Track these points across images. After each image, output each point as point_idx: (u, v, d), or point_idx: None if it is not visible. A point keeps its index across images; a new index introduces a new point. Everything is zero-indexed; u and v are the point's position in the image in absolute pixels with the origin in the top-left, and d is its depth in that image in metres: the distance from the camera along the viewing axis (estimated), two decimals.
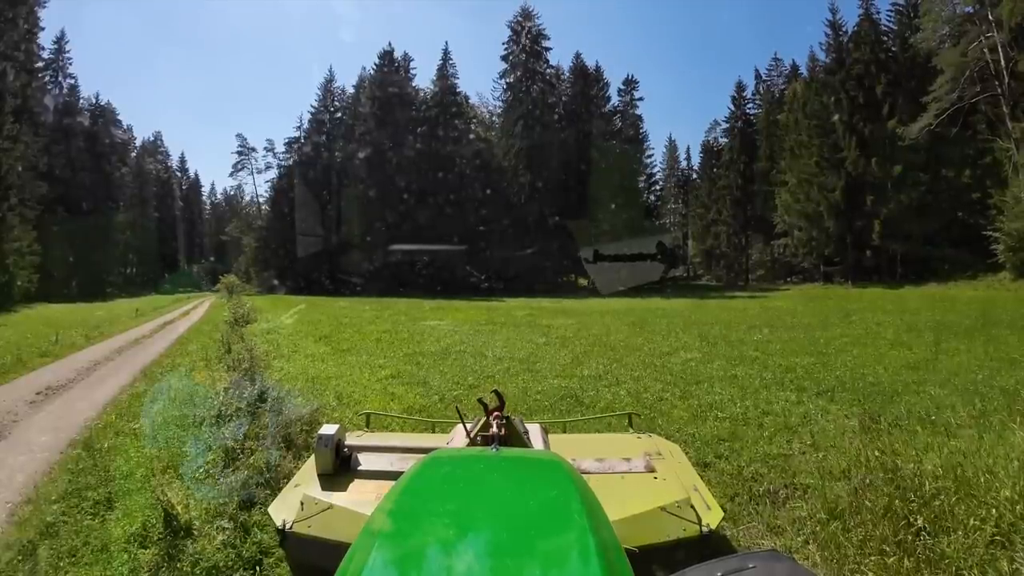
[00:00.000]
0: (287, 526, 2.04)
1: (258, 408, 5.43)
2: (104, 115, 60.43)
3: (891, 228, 38.45)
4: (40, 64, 47.04)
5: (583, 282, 51.49)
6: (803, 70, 53.04)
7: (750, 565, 1.24)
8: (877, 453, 5.10)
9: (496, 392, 2.56)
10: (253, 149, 66.91)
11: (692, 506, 2.05)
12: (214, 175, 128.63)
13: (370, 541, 1.28)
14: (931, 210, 37.46)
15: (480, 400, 2.50)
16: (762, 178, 50.50)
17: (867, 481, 4.28)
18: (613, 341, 12.46)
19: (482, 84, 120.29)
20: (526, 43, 54.14)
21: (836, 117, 41.67)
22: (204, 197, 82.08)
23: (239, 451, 4.67)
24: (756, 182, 51.53)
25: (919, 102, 36.13)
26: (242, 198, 75.14)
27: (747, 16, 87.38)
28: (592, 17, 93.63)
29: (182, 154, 78.53)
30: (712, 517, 2.05)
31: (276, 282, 50.98)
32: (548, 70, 55.14)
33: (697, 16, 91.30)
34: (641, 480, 2.32)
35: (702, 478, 2.86)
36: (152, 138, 73.42)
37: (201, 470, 4.81)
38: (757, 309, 22.93)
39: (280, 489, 3.68)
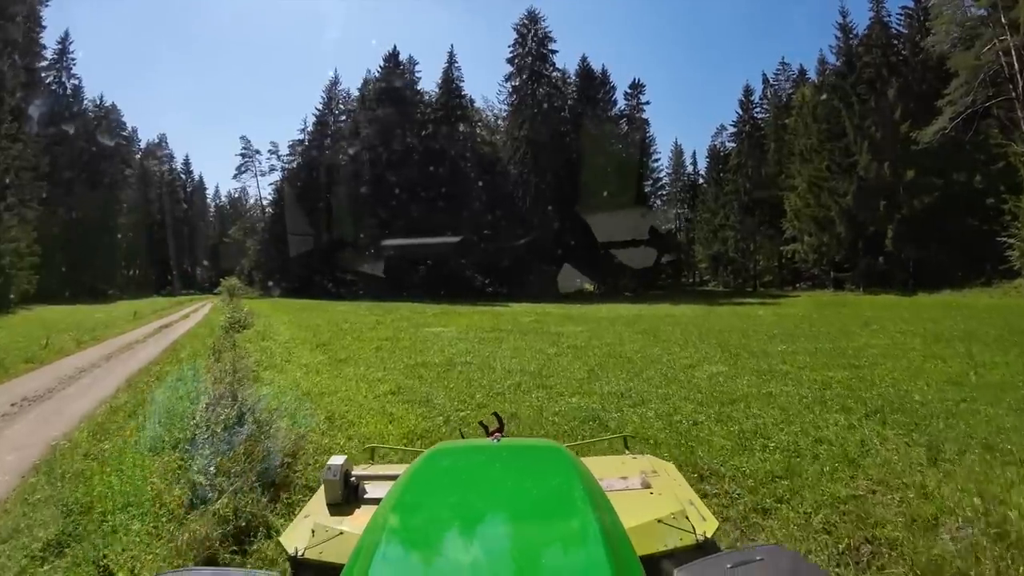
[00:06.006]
0: (299, 553, 1.98)
1: (236, 433, 4.69)
2: (108, 116, 60.04)
3: (904, 233, 37.62)
4: (43, 64, 46.76)
5: (589, 287, 50.77)
6: (811, 74, 52.40)
7: (757, 558, 1.27)
8: (958, 492, 4.43)
9: (496, 415, 2.61)
10: (257, 151, 66.57)
11: (687, 517, 2.00)
12: (219, 177, 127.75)
13: (377, 534, 1.28)
14: (945, 215, 36.64)
15: (481, 423, 2.58)
16: (770, 183, 49.71)
17: (968, 533, 3.58)
18: (628, 351, 11.67)
19: (487, 87, 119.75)
20: (532, 46, 53.61)
21: (847, 121, 40.91)
22: (208, 199, 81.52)
23: (208, 489, 3.94)
24: (764, 187, 50.70)
25: (931, 106, 35.34)
26: (246, 200, 74.77)
27: (750, 21, 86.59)
28: (597, 23, 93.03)
29: (186, 156, 77.85)
30: (707, 527, 1.97)
31: (278, 285, 50.42)
32: (554, 73, 54.56)
33: (700, 22, 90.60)
34: (638, 496, 2.25)
35: (762, 526, 2.79)
36: (157, 140, 73.04)
37: (164, 511, 4.11)
38: (771, 316, 22.13)
39: (253, 547, 3.10)
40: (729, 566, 1.26)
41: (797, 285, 48.32)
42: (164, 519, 4.05)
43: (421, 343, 13.60)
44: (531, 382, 8.44)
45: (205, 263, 72.42)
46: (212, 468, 4.12)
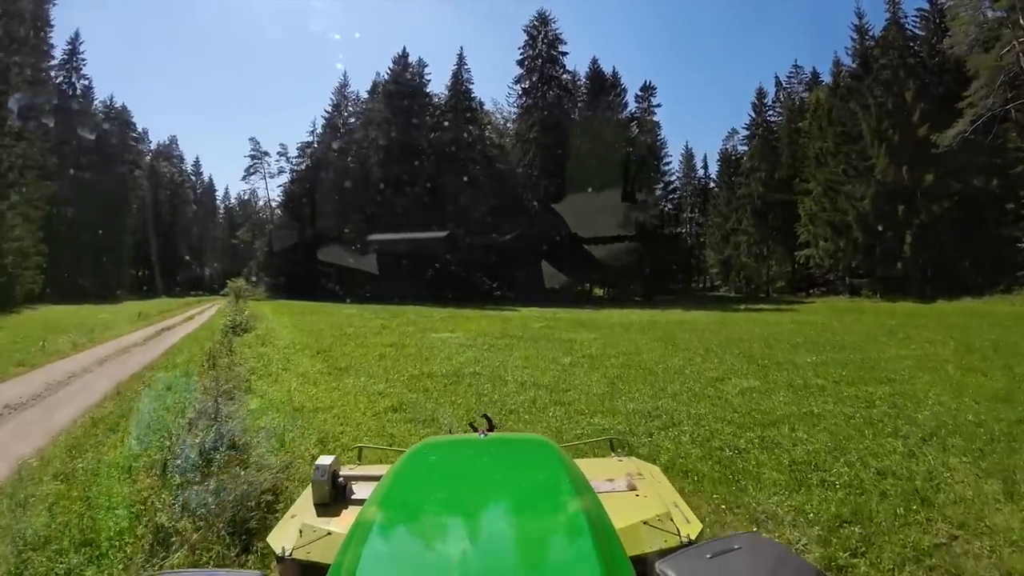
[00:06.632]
0: (286, 554, 1.92)
1: (210, 461, 4.05)
2: (118, 117, 60.00)
3: (922, 239, 36.68)
4: (52, 64, 46.62)
5: (599, 292, 50.03)
6: (823, 78, 51.65)
7: (735, 546, 1.29)
8: None
9: (486, 416, 2.61)
10: (266, 153, 66.32)
11: (672, 519, 1.95)
12: (228, 179, 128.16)
13: (364, 531, 1.27)
14: (964, 221, 35.71)
15: (471, 425, 2.62)
16: (784, 187, 48.81)
17: None
18: (647, 362, 10.93)
19: (497, 90, 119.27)
20: (542, 48, 53.11)
21: (864, 124, 40.01)
22: (218, 201, 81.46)
23: (171, 535, 3.32)
24: (778, 191, 49.78)
25: (950, 108, 34.43)
26: (255, 202, 74.65)
27: (761, 24, 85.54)
28: (606, 25, 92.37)
29: (196, 158, 77.81)
30: (691, 529, 1.92)
31: (286, 286, 50.07)
32: (564, 75, 54.01)
33: (711, 25, 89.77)
34: (624, 498, 2.22)
35: None
36: (167, 141, 73.11)
37: (122, 556, 3.49)
38: (790, 324, 21.34)
39: None
40: (708, 556, 1.26)
41: (810, 291, 47.35)
42: (120, 565, 3.45)
43: (427, 350, 12.91)
44: (547, 397, 7.74)
45: (215, 264, 72.41)
46: (178, 506, 3.50)
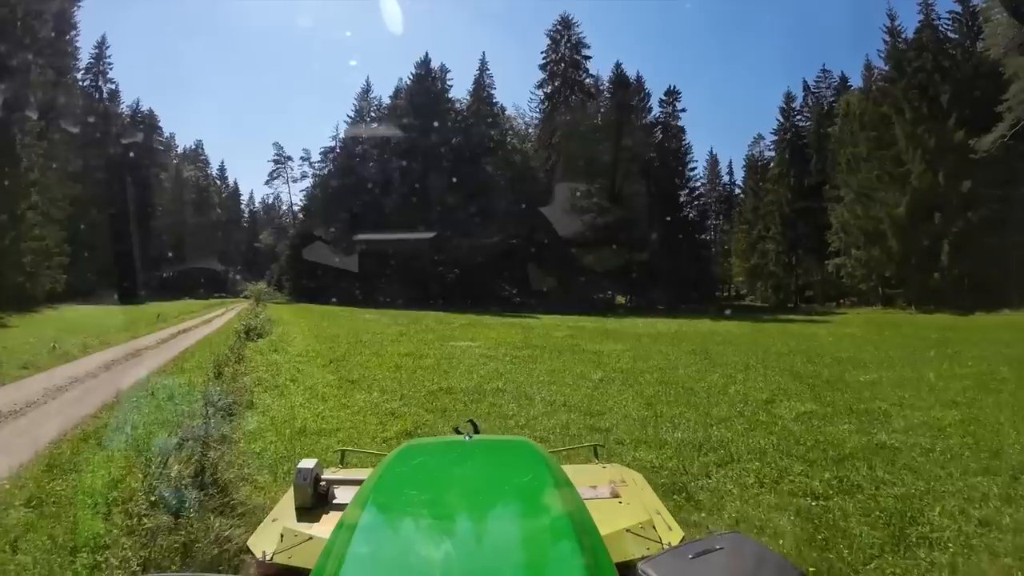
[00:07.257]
0: (267, 558, 1.86)
1: (185, 503, 3.38)
2: (144, 121, 60.76)
3: (961, 248, 35.14)
4: (78, 66, 47.15)
5: (621, 299, 49.01)
6: (852, 82, 50.35)
7: (717, 547, 1.27)
8: None
9: (471, 422, 2.59)
10: (289, 158, 66.78)
11: (655, 527, 1.93)
12: (253, 183, 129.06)
13: (346, 534, 1.26)
14: (1004, 229, 34.12)
15: (456, 429, 2.59)
16: (813, 194, 47.37)
17: None
18: (685, 379, 10.04)
19: (519, 96, 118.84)
20: (565, 52, 52.54)
21: (899, 128, 38.57)
22: (243, 205, 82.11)
23: None
24: (807, 198, 48.33)
25: (987, 112, 33.03)
26: (279, 207, 75.07)
27: (784, 28, 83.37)
28: (629, 33, 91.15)
29: (222, 162, 78.37)
30: (673, 536, 1.90)
31: (307, 290, 50.03)
32: (587, 80, 53.34)
33: (733, 29, 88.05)
34: (607, 505, 2.15)
35: None
36: (193, 146, 73.91)
37: None
38: (828, 337, 20.27)
39: None
40: (691, 556, 1.25)
41: (841, 301, 45.80)
42: None
43: (446, 361, 12.17)
44: (581, 422, 6.91)
45: (238, 267, 72.83)
46: (138, 564, 2.82)
